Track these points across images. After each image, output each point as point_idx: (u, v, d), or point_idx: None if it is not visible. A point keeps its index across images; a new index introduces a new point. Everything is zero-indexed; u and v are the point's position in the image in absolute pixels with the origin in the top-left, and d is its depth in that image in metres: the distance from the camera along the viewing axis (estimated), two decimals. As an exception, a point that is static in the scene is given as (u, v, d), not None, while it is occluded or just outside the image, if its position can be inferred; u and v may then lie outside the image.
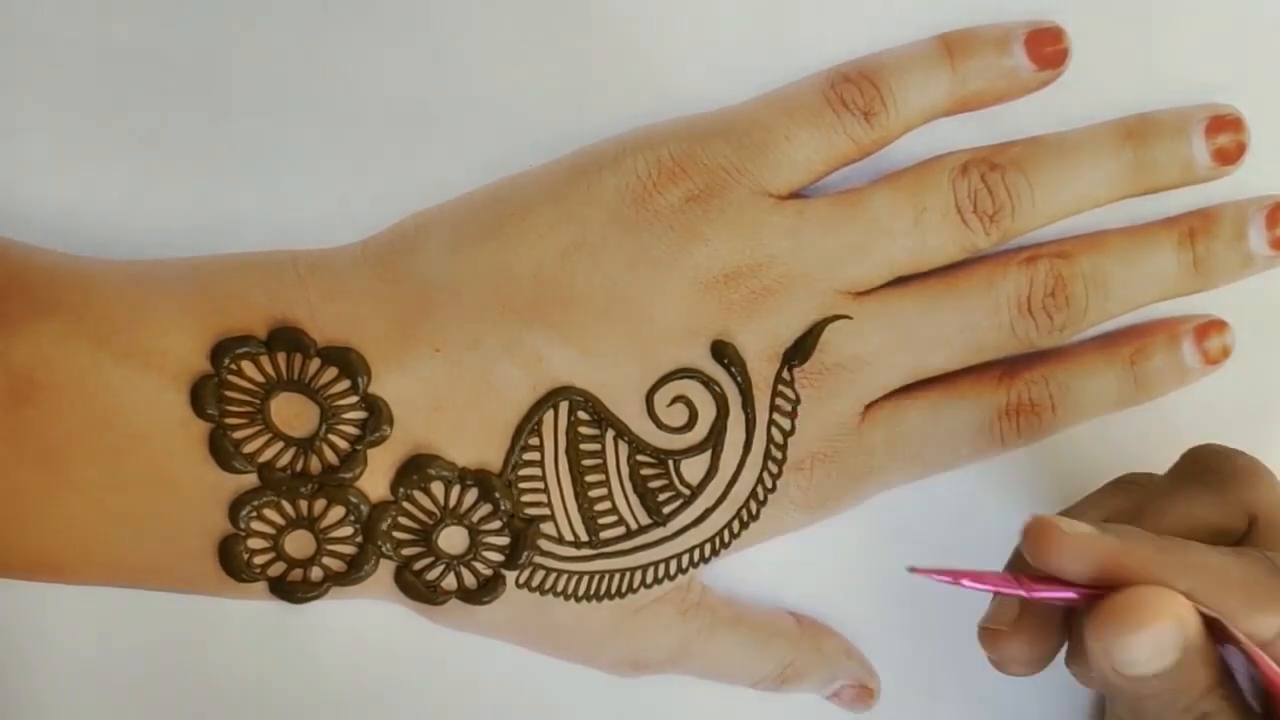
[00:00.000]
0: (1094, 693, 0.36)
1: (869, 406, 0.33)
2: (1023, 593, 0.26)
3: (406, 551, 0.31)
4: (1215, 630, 0.25)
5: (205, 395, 0.29)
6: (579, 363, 0.31)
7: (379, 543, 0.31)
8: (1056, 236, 0.34)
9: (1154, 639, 0.25)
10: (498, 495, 0.31)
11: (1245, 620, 0.25)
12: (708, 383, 0.31)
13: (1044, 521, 0.26)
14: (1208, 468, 0.30)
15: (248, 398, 0.30)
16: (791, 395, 0.32)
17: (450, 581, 0.32)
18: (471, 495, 0.31)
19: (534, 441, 0.31)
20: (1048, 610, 0.28)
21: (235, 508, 0.30)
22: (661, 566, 0.33)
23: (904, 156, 0.33)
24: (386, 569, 0.32)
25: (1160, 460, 0.35)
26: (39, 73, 0.32)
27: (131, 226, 0.32)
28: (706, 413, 0.32)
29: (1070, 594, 0.26)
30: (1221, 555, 0.27)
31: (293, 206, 0.32)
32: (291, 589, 0.31)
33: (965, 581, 0.26)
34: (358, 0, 0.32)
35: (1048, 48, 0.32)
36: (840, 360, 0.32)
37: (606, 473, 0.32)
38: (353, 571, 0.31)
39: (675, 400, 0.32)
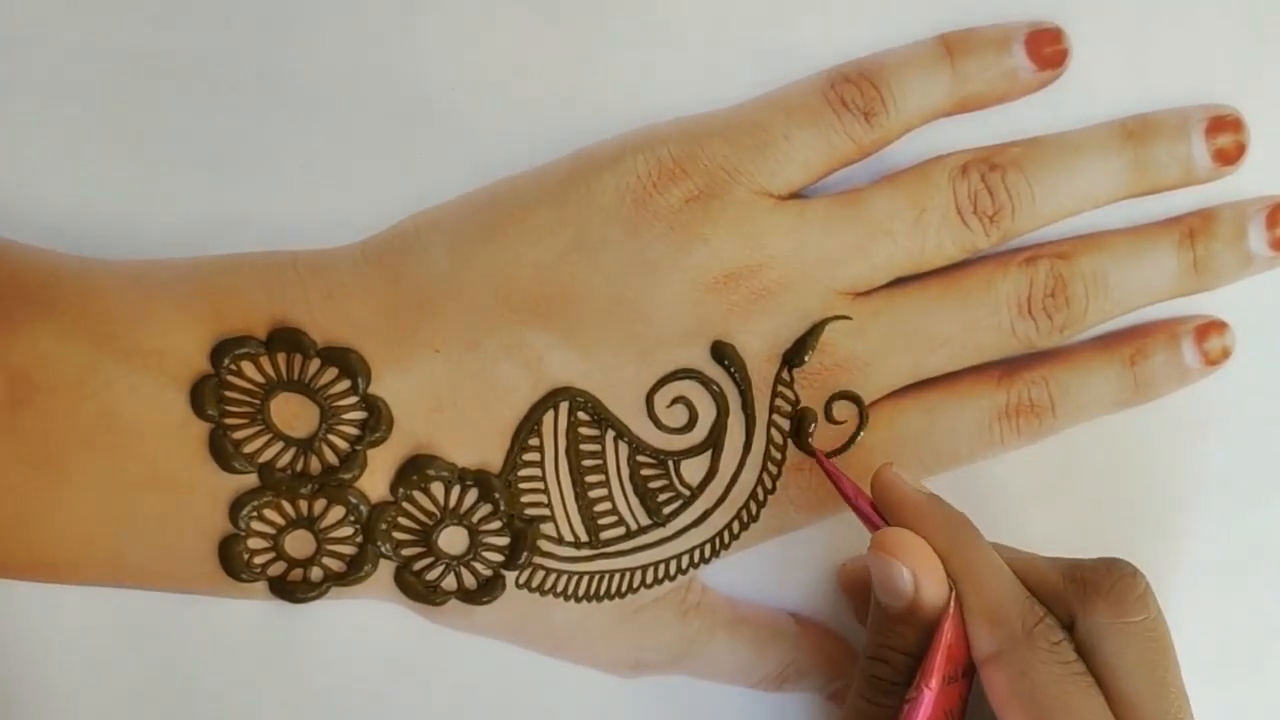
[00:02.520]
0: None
1: (869, 407, 0.33)
2: (848, 495, 0.31)
3: (406, 552, 0.31)
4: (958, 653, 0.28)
5: (205, 395, 0.30)
6: (579, 363, 0.31)
7: (379, 543, 0.31)
8: (1056, 237, 0.34)
9: (892, 573, 0.28)
10: (498, 495, 0.31)
11: (973, 621, 0.28)
12: (708, 383, 0.32)
13: (890, 468, 0.30)
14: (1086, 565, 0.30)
15: (248, 398, 0.30)
16: (791, 396, 0.32)
17: (450, 582, 0.32)
18: (471, 495, 0.31)
19: (534, 442, 0.31)
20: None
21: (235, 508, 0.30)
22: (662, 567, 0.33)
23: (904, 157, 0.33)
24: (386, 569, 0.32)
25: (1160, 460, 0.35)
26: (39, 73, 0.32)
27: (131, 226, 0.32)
28: (706, 413, 0.32)
29: (873, 521, 0.30)
30: (997, 559, 0.29)
31: (293, 206, 0.32)
32: (291, 589, 0.31)
33: (824, 462, 0.31)
34: (358, 0, 0.32)
35: (1047, 48, 0.32)
36: (840, 361, 0.32)
37: (606, 473, 0.32)
38: (353, 571, 0.31)
39: (675, 401, 0.32)
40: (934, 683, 0.28)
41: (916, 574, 0.28)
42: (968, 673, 0.29)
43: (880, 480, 0.30)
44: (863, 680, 0.30)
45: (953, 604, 0.28)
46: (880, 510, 0.30)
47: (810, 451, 0.32)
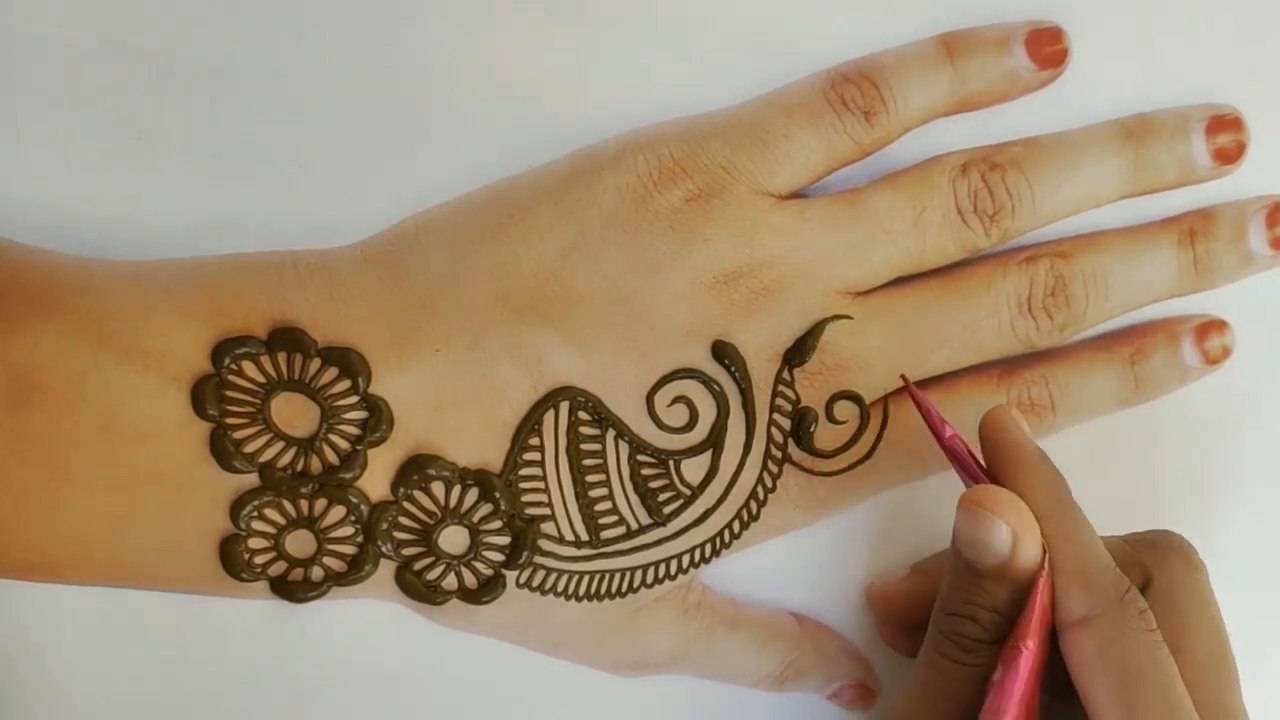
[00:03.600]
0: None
1: (870, 406, 0.33)
2: (942, 436, 0.30)
3: (407, 551, 0.31)
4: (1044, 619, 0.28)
5: (206, 395, 0.29)
6: (579, 363, 0.31)
7: (379, 542, 0.31)
8: (1056, 236, 0.34)
9: (989, 530, 0.28)
10: (498, 495, 0.31)
11: (1065, 584, 0.28)
12: (708, 383, 0.32)
13: (1005, 413, 0.30)
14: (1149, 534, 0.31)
15: (248, 398, 0.30)
16: (792, 395, 0.32)
17: (450, 581, 0.32)
18: (472, 495, 0.31)
19: (534, 441, 0.31)
20: (929, 588, 0.31)
21: (236, 507, 0.30)
22: (662, 566, 0.33)
23: (904, 156, 0.33)
24: (387, 569, 0.32)
25: (1160, 459, 0.35)
26: (39, 73, 0.32)
27: (131, 226, 0.32)
28: (707, 413, 0.32)
29: (967, 467, 0.30)
30: (1089, 525, 0.29)
31: (293, 206, 0.32)
32: (292, 588, 0.31)
33: (932, 412, 0.30)
34: (358, 1, 0.32)
35: (1047, 48, 0.32)
36: (840, 360, 0.32)
37: (607, 473, 0.32)
38: (353, 571, 0.31)
39: (676, 400, 0.32)
40: (1032, 642, 0.27)
41: (1017, 532, 0.28)
42: (1049, 634, 0.28)
43: (994, 423, 0.30)
44: (943, 638, 0.29)
45: (1047, 565, 0.28)
46: (985, 453, 0.30)
47: (813, 451, 0.32)
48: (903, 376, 0.31)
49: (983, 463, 0.30)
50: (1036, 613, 0.28)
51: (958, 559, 0.29)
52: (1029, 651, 0.27)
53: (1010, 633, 0.28)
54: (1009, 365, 0.34)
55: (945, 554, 0.32)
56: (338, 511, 0.31)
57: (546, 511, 0.32)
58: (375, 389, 0.30)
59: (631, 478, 0.32)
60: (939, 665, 0.29)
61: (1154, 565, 0.30)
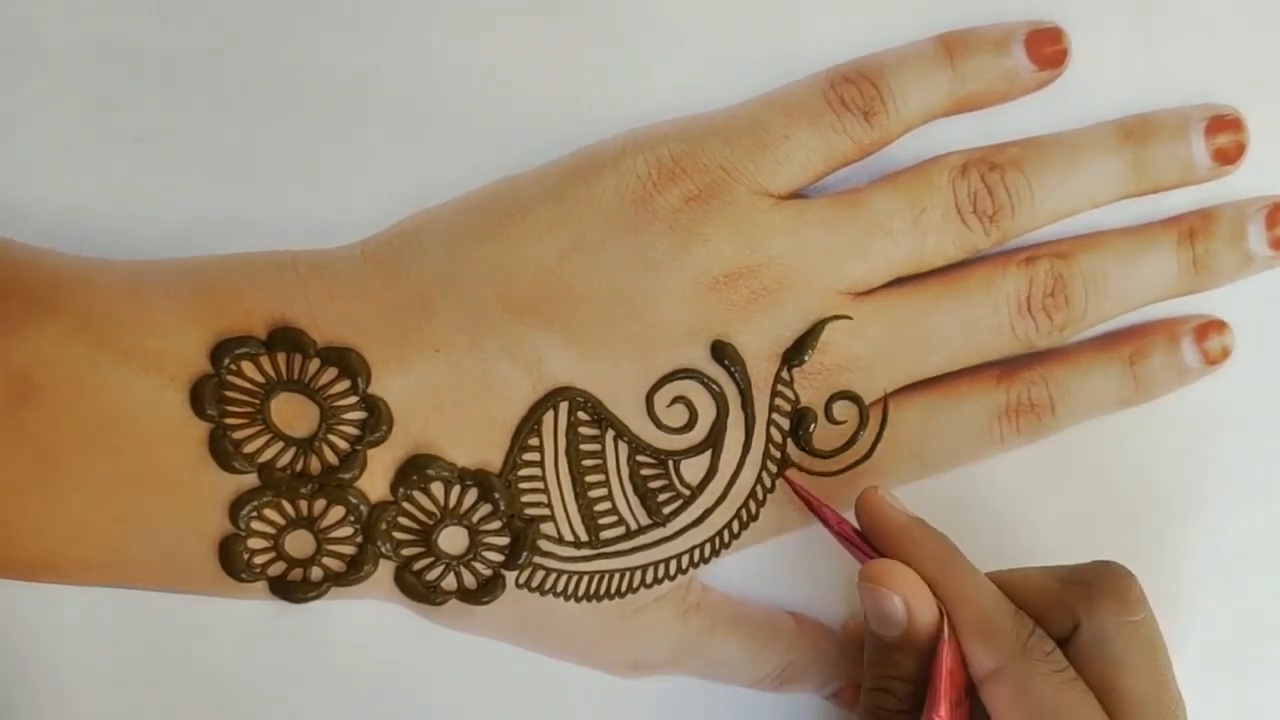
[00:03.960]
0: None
1: (869, 407, 0.33)
2: (830, 523, 0.31)
3: (406, 551, 0.31)
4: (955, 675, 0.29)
5: (205, 395, 0.29)
6: (579, 363, 0.31)
7: (379, 543, 0.31)
8: (1056, 236, 0.34)
9: (884, 602, 0.29)
10: (498, 495, 0.31)
11: (968, 641, 0.29)
12: (707, 383, 0.31)
13: (875, 492, 0.31)
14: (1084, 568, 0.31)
15: (248, 398, 0.30)
16: (791, 395, 0.32)
17: (450, 582, 0.32)
18: (471, 495, 0.31)
19: (534, 442, 0.31)
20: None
21: (235, 508, 0.30)
22: (661, 567, 0.33)
23: (904, 156, 0.33)
24: (386, 569, 0.32)
25: (1160, 459, 0.35)
26: (39, 73, 0.32)
27: (131, 226, 0.32)
28: (706, 413, 0.32)
29: (858, 547, 0.31)
30: (981, 577, 0.29)
31: (293, 206, 0.32)
32: (291, 589, 0.31)
33: (808, 497, 0.32)
34: (358, 1, 0.32)
35: (1047, 48, 0.32)
36: (840, 360, 0.32)
37: (606, 473, 0.32)
38: (353, 571, 0.31)
39: (675, 400, 0.32)
40: (943, 709, 0.28)
41: (908, 600, 0.29)
42: (969, 693, 0.29)
43: (866, 503, 0.31)
44: (867, 713, 0.30)
45: (946, 628, 0.29)
46: (866, 534, 0.31)
47: (812, 451, 0.32)
48: (786, 478, 0.32)
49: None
50: (943, 678, 0.28)
51: (869, 634, 0.30)
52: (939, 718, 0.28)
53: (923, 702, 0.29)
54: (1008, 365, 0.34)
55: None
56: (337, 512, 0.31)
57: (546, 512, 0.32)
58: (375, 389, 0.30)
59: (631, 478, 0.32)
60: None
61: (1082, 609, 0.29)
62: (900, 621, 0.29)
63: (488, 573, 0.32)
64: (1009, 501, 0.35)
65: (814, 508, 0.32)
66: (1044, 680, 0.28)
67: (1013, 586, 0.30)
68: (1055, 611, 0.29)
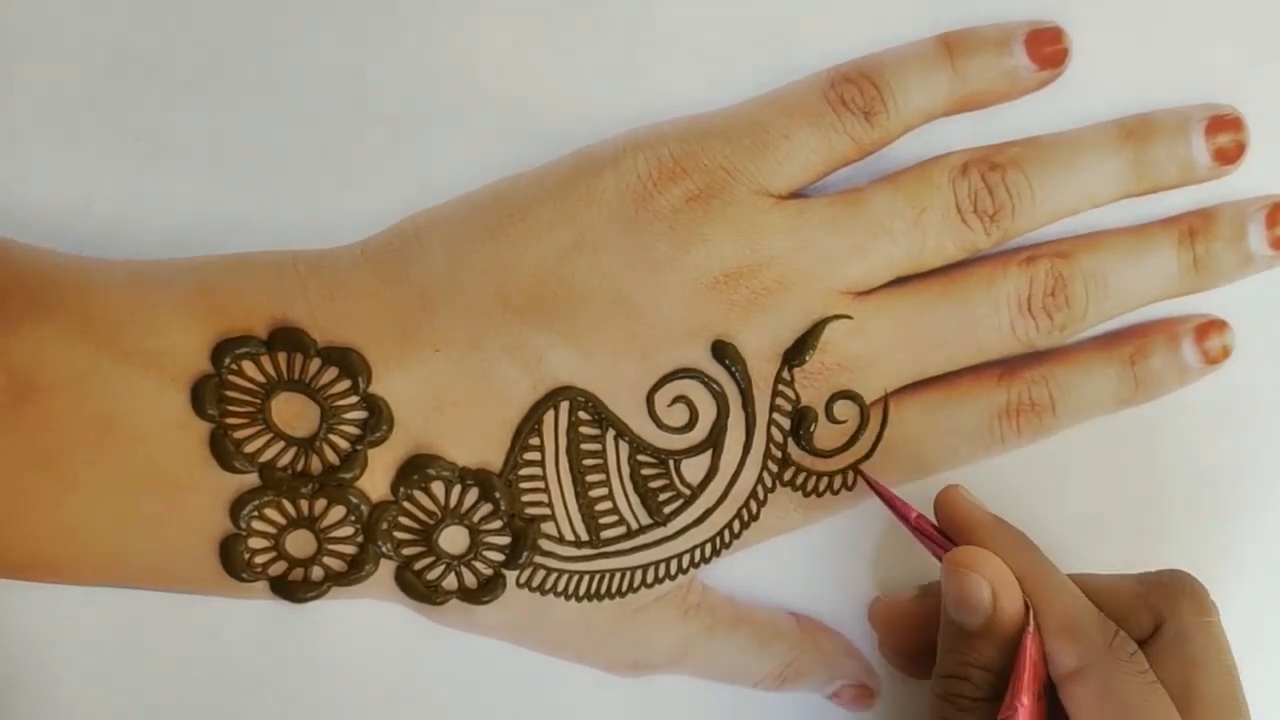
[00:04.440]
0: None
1: (870, 406, 0.33)
2: (908, 519, 0.31)
3: (407, 551, 0.31)
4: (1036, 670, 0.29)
5: (206, 395, 0.29)
6: (579, 363, 0.31)
7: (379, 542, 0.31)
8: (1056, 236, 0.34)
9: (972, 587, 0.29)
10: (498, 495, 0.31)
11: (1052, 638, 0.29)
12: (708, 383, 0.31)
13: (957, 490, 0.32)
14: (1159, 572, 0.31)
15: (248, 398, 0.30)
16: (792, 395, 0.32)
17: (451, 581, 0.32)
18: (472, 495, 0.31)
19: (534, 441, 0.31)
20: (934, 610, 0.31)
21: (236, 507, 0.30)
22: (662, 566, 0.33)
23: (904, 156, 0.33)
24: (387, 569, 0.32)
25: (1160, 459, 0.35)
26: (39, 73, 0.32)
27: (131, 226, 0.32)
28: (707, 413, 0.32)
29: (937, 542, 0.31)
30: (1064, 578, 0.30)
31: (293, 206, 0.32)
32: (292, 588, 0.31)
33: (882, 490, 0.32)
34: (358, 0, 0.32)
35: (1047, 47, 0.32)
36: (841, 360, 0.32)
37: (607, 472, 0.32)
38: (353, 571, 0.31)
39: (676, 400, 0.32)
40: (1026, 698, 0.28)
41: (995, 587, 0.29)
42: (1044, 690, 0.29)
43: (947, 501, 0.31)
44: (940, 701, 0.30)
45: (1032, 621, 0.29)
46: (945, 530, 0.31)
47: (813, 451, 0.32)
48: (859, 470, 0.33)
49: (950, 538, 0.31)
50: (1027, 668, 0.28)
51: (947, 621, 0.30)
52: (1024, 708, 0.28)
53: (1005, 691, 0.28)
54: (1009, 365, 0.34)
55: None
56: (338, 511, 0.31)
57: (546, 511, 0.32)
58: (375, 389, 0.30)
59: (631, 477, 0.32)
60: None
61: (1165, 608, 0.30)
62: (986, 608, 0.29)
63: (488, 572, 0.32)
64: (1009, 501, 0.35)
65: (891, 503, 0.32)
66: (1128, 681, 0.28)
67: (1091, 589, 0.30)
68: (1136, 613, 0.30)
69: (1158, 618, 0.30)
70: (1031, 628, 0.29)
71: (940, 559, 0.30)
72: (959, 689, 0.29)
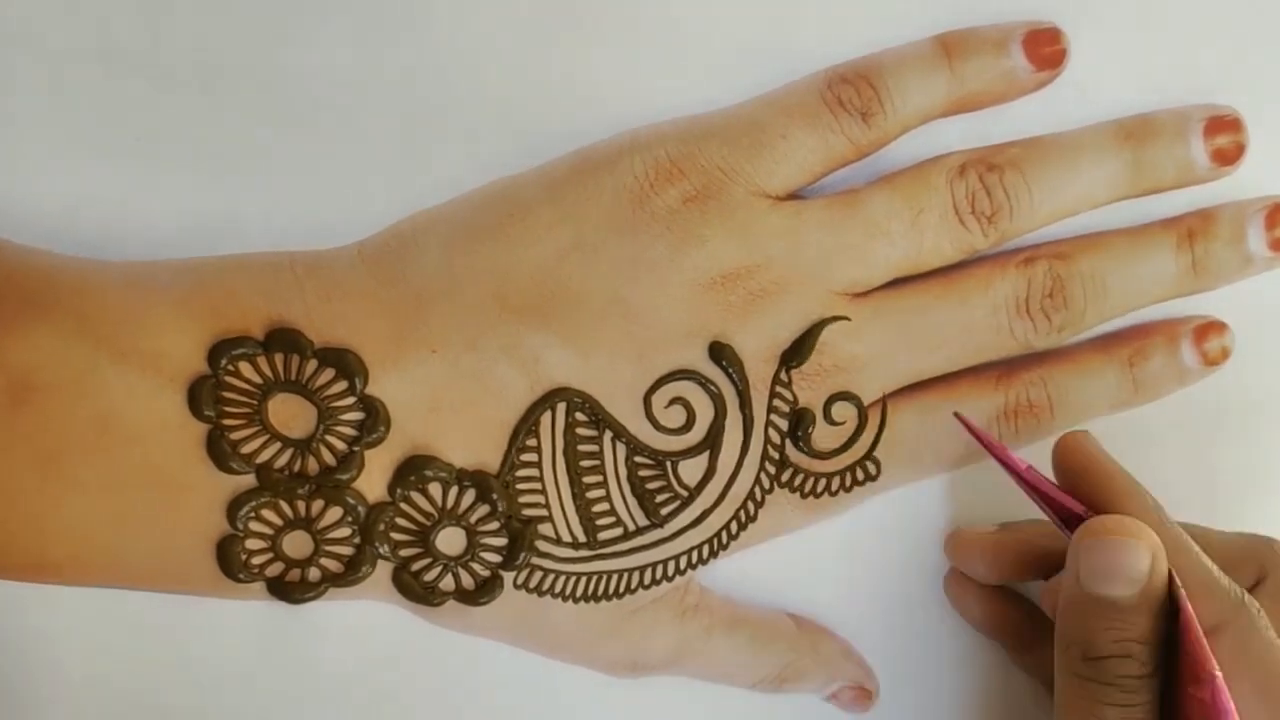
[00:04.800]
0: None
1: (868, 408, 0.33)
2: (1018, 469, 0.30)
3: (404, 552, 0.31)
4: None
5: (203, 396, 0.30)
6: (576, 364, 0.31)
7: (376, 543, 0.31)
8: (1055, 237, 0.34)
9: (1130, 556, 0.27)
10: (495, 496, 0.31)
11: (1192, 596, 0.28)
12: (705, 384, 0.31)
13: (1085, 437, 0.31)
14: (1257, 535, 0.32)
15: (245, 399, 0.30)
16: (789, 396, 0.32)
17: (448, 582, 0.32)
18: (469, 496, 0.31)
19: (531, 442, 0.31)
20: (1013, 545, 0.32)
21: (233, 508, 0.30)
22: (660, 568, 0.33)
23: (902, 157, 0.33)
24: (384, 570, 0.32)
25: (1159, 460, 0.35)
26: (38, 73, 0.32)
27: (130, 226, 0.32)
28: (704, 414, 0.32)
29: (1053, 497, 0.29)
30: (1190, 540, 0.29)
31: (291, 207, 0.32)
32: (289, 589, 0.31)
33: (993, 444, 0.30)
34: (357, 0, 0.32)
35: (1046, 48, 0.32)
36: (838, 362, 0.32)
37: (604, 474, 0.32)
38: (350, 572, 0.31)
39: (673, 401, 0.32)
40: (1215, 666, 0.27)
41: (1154, 554, 0.28)
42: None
43: (1074, 449, 0.30)
44: (1100, 686, 0.28)
45: (1179, 586, 0.28)
46: (1066, 481, 0.30)
47: (810, 452, 0.32)
48: (957, 415, 0.31)
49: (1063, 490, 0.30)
50: (1199, 635, 0.27)
51: (1086, 600, 0.28)
52: (1219, 676, 0.26)
53: (1182, 665, 0.27)
54: (1008, 366, 0.34)
55: (1033, 521, 0.33)
56: (335, 512, 0.31)
57: (544, 513, 0.32)
58: (372, 390, 0.30)
59: (629, 479, 0.32)
60: (1107, 718, 0.28)
61: (1270, 561, 0.30)
62: (1142, 578, 0.27)
63: (485, 573, 0.32)
64: (1009, 502, 0.35)
65: (997, 454, 0.30)
66: (1263, 635, 0.28)
67: (1204, 543, 0.30)
68: (1245, 566, 0.30)
69: (1260, 571, 0.30)
70: (1183, 594, 0.27)
71: (1053, 514, 0.29)
72: (1125, 669, 0.28)
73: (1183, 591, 0.28)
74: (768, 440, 0.32)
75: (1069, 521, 0.30)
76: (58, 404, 0.29)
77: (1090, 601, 0.28)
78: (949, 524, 0.35)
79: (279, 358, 0.30)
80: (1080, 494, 0.30)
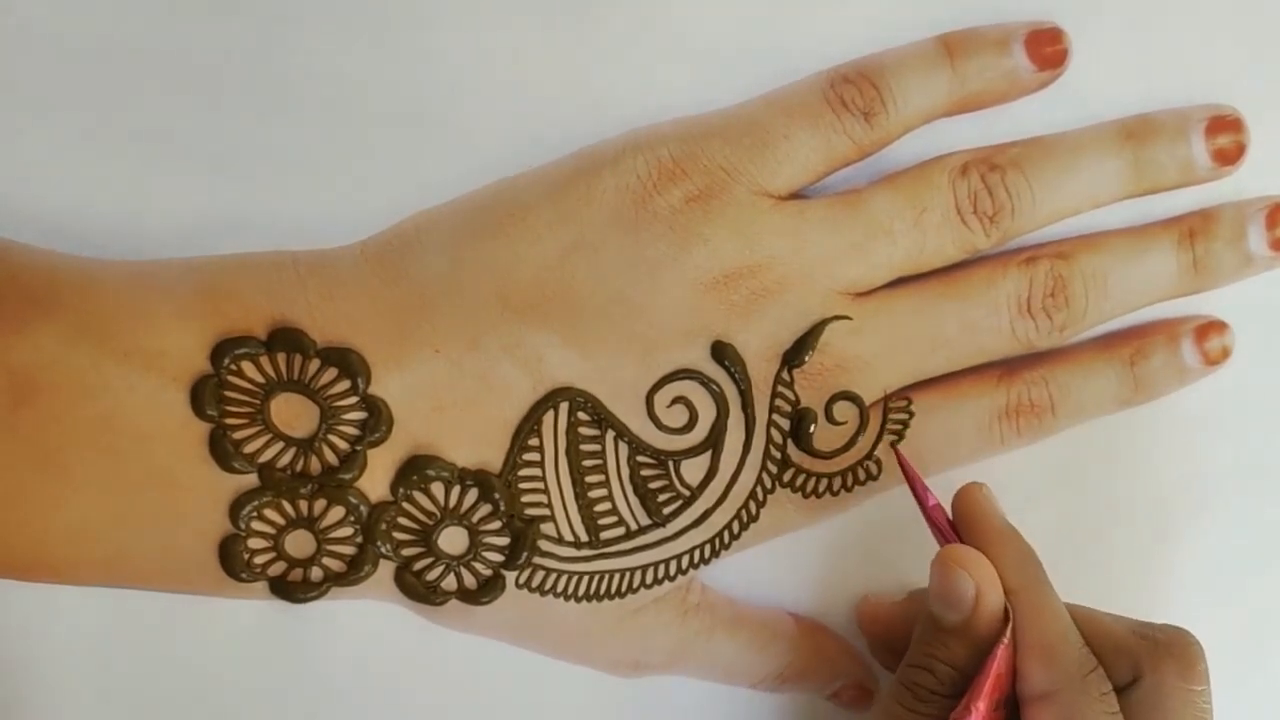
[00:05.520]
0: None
1: (869, 407, 0.33)
2: (926, 504, 0.31)
3: (406, 552, 0.31)
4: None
5: (205, 396, 0.29)
6: (579, 363, 0.31)
7: (379, 543, 0.31)
8: (1056, 237, 0.34)
9: (959, 584, 0.29)
10: (498, 495, 0.31)
11: (1027, 657, 0.29)
12: (707, 383, 0.31)
13: (978, 489, 0.31)
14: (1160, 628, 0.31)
15: (248, 398, 0.30)
16: (791, 396, 0.32)
17: (450, 582, 0.32)
18: (471, 495, 0.31)
19: (534, 442, 0.31)
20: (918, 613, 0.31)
21: (236, 508, 0.30)
22: (661, 567, 0.33)
23: (904, 157, 0.33)
24: (386, 569, 0.32)
25: (1160, 460, 0.35)
26: (39, 73, 0.32)
27: (131, 226, 0.32)
28: (706, 413, 0.32)
29: (944, 534, 0.31)
30: (1059, 604, 0.29)
31: (293, 206, 0.32)
32: (292, 589, 0.31)
33: (909, 470, 0.31)
34: (358, 0, 0.32)
35: (1047, 48, 0.32)
36: (840, 361, 0.32)
37: (606, 473, 0.32)
38: (353, 572, 0.31)
39: (675, 401, 0.32)
40: (982, 705, 0.28)
41: (980, 588, 0.29)
42: (1005, 704, 0.29)
43: (965, 498, 0.31)
44: (901, 687, 0.30)
45: (1009, 633, 0.29)
46: (955, 526, 0.31)
47: (812, 452, 0.32)
48: (894, 448, 0.32)
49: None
50: (990, 677, 0.28)
51: (927, 614, 0.30)
52: (977, 713, 0.28)
53: (964, 692, 0.29)
54: (1009, 366, 0.34)
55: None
56: (337, 512, 0.31)
57: (546, 512, 0.32)
58: (375, 389, 0.30)
59: (631, 478, 0.32)
60: (894, 712, 0.30)
61: (1149, 663, 0.29)
62: (966, 607, 0.29)
63: (488, 573, 0.32)
64: (1009, 501, 0.35)
65: (915, 487, 0.31)
66: (1094, 718, 0.28)
67: (1083, 621, 0.30)
68: (1120, 659, 0.29)
69: (1138, 669, 0.29)
70: (1007, 639, 0.29)
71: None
72: (920, 679, 0.29)
73: (1008, 640, 0.29)
74: (769, 440, 0.32)
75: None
76: (60, 403, 0.29)
77: (927, 618, 0.30)
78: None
79: (281, 357, 0.30)
80: (968, 540, 0.30)
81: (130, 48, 0.32)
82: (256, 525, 0.30)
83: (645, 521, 0.32)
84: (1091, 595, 0.31)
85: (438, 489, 0.31)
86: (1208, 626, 0.35)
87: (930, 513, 0.31)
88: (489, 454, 0.31)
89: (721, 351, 0.31)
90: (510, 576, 0.32)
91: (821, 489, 0.33)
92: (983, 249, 0.33)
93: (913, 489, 0.31)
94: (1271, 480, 0.36)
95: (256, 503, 0.30)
